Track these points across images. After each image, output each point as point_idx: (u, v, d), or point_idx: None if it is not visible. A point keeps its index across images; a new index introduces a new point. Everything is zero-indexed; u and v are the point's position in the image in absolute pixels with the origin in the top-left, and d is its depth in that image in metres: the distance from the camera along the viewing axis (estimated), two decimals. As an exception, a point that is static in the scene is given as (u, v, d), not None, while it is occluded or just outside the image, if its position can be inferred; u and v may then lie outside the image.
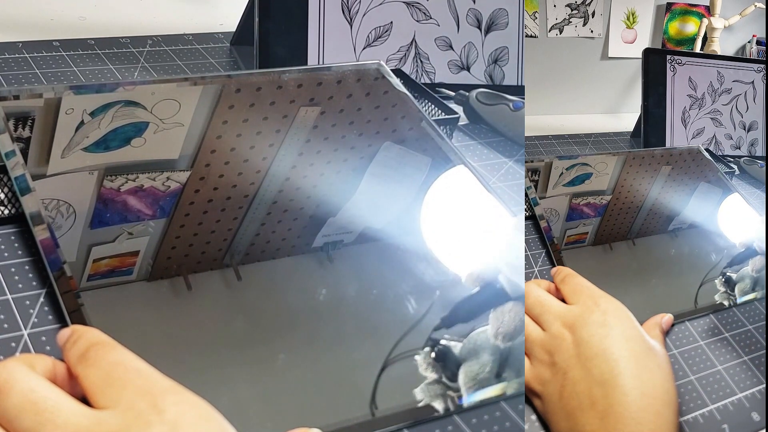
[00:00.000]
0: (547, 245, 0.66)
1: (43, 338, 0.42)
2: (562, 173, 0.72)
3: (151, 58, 0.74)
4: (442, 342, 0.47)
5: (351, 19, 0.76)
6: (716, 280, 0.69)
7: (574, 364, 0.49)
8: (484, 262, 0.54)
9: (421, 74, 0.81)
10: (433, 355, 0.47)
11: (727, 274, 0.70)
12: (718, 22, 1.56)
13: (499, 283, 0.48)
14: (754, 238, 0.73)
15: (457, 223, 0.57)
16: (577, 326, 0.50)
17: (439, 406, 0.45)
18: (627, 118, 1.29)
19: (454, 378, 0.46)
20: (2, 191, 0.48)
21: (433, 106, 0.73)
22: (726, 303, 0.67)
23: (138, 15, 0.85)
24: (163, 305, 0.47)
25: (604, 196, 0.74)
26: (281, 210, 0.53)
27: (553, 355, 0.50)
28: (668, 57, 1.05)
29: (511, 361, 0.48)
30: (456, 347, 0.47)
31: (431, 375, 0.46)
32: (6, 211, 0.48)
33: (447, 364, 0.47)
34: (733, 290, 0.68)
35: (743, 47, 1.71)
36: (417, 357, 0.47)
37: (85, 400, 0.35)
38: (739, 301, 0.69)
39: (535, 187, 0.70)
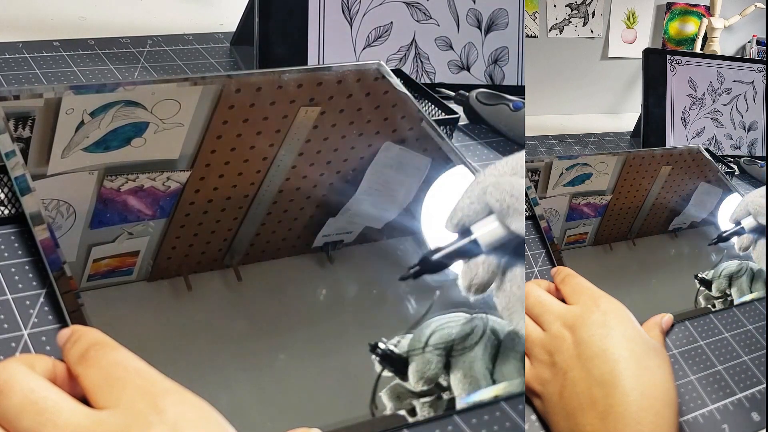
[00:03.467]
0: (547, 245, 0.66)
1: (43, 338, 0.42)
2: (562, 173, 0.72)
3: (151, 58, 0.74)
4: (381, 346, 0.46)
5: (351, 19, 0.76)
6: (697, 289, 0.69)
7: (574, 364, 0.49)
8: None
9: (421, 74, 0.81)
10: (376, 358, 0.46)
11: (702, 276, 0.69)
12: (718, 22, 1.57)
13: (472, 233, 0.45)
14: (745, 213, 0.71)
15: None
16: (578, 326, 0.50)
17: (403, 411, 0.44)
18: (627, 118, 1.29)
19: (405, 377, 0.46)
20: (2, 191, 0.48)
21: (433, 106, 0.73)
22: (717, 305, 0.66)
23: (138, 15, 0.85)
24: (163, 305, 0.47)
25: (604, 196, 0.74)
26: (281, 210, 0.53)
27: (553, 355, 0.50)
28: (668, 57, 1.05)
29: (458, 361, 0.47)
30: (400, 346, 0.46)
31: (387, 373, 0.45)
32: (6, 211, 0.48)
33: (395, 364, 0.46)
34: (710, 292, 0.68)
35: (743, 47, 1.71)
36: (373, 356, 0.46)
37: (85, 401, 0.35)
38: (738, 301, 0.69)
39: (535, 187, 0.70)
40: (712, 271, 0.69)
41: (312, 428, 0.40)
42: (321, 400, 0.45)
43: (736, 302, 0.68)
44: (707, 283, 0.68)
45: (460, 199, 0.45)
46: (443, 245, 0.45)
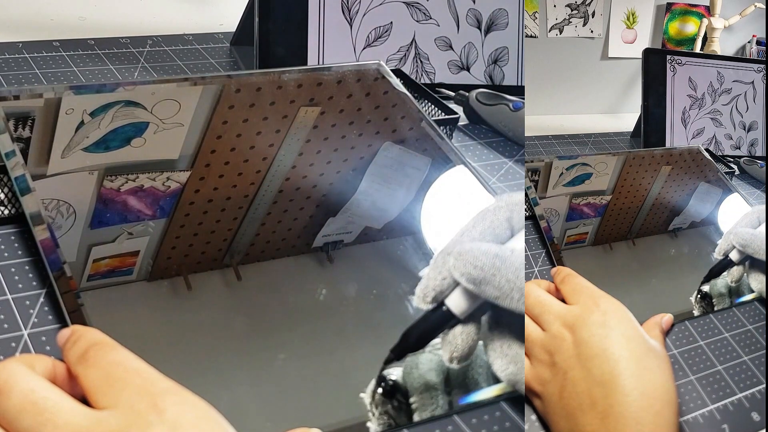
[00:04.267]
0: (547, 245, 0.66)
1: (43, 338, 0.42)
2: (562, 173, 0.72)
3: (151, 59, 0.74)
4: (389, 378, 0.45)
5: (351, 19, 0.76)
6: (692, 297, 0.68)
7: (574, 364, 0.49)
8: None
9: (421, 74, 0.81)
10: (380, 391, 0.45)
11: (704, 290, 0.69)
12: (718, 22, 1.57)
13: (445, 305, 0.45)
14: (730, 247, 0.72)
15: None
16: (577, 326, 0.50)
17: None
18: (627, 118, 1.29)
19: (403, 406, 0.45)
20: (2, 191, 0.48)
21: (433, 106, 0.73)
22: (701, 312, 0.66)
23: (138, 15, 0.85)
24: (163, 305, 0.47)
25: (604, 196, 0.74)
26: (281, 210, 0.53)
27: (553, 355, 0.50)
28: (668, 57, 1.05)
29: (458, 378, 0.47)
30: (401, 378, 0.46)
31: (380, 410, 0.45)
32: (6, 211, 0.48)
33: (396, 397, 0.45)
34: (710, 303, 0.68)
35: (743, 47, 1.71)
36: (363, 395, 0.45)
37: (85, 401, 0.35)
38: (737, 301, 0.69)
39: (535, 187, 0.70)
40: (708, 286, 0.70)
41: (312, 428, 0.40)
42: (321, 400, 0.45)
43: (735, 302, 0.68)
44: (708, 297, 0.68)
45: (429, 273, 0.45)
46: (419, 322, 0.45)
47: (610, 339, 0.49)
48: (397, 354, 0.45)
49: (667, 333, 0.61)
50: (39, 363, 0.36)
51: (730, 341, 0.64)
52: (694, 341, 0.62)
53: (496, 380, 0.47)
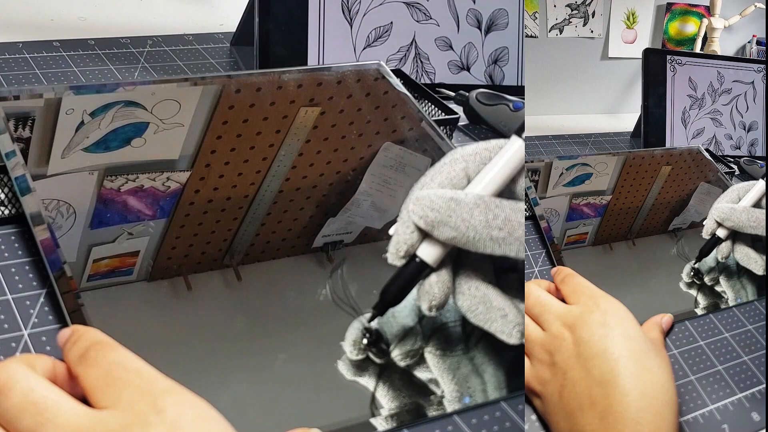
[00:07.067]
0: (547, 245, 0.66)
1: (44, 338, 0.42)
2: (562, 173, 0.72)
3: (151, 59, 0.74)
4: (372, 329, 0.48)
5: (351, 20, 0.76)
6: (683, 273, 0.71)
7: (574, 364, 0.49)
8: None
9: (421, 74, 0.81)
10: (364, 341, 0.47)
11: (695, 266, 0.71)
12: (718, 22, 1.57)
13: (418, 256, 0.46)
14: (714, 225, 0.74)
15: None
16: (577, 326, 0.50)
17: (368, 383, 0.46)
18: (627, 118, 1.29)
19: (385, 353, 0.47)
20: (2, 191, 0.48)
21: (433, 106, 0.73)
22: (697, 294, 0.68)
23: (138, 15, 0.85)
24: (163, 305, 0.47)
25: (604, 196, 0.74)
26: (281, 210, 0.53)
27: (553, 355, 0.50)
28: (668, 57, 1.05)
29: (436, 327, 0.49)
30: (381, 328, 0.48)
31: (360, 356, 0.47)
32: (6, 212, 0.48)
33: (379, 345, 0.47)
34: (702, 280, 0.70)
35: (743, 47, 1.71)
36: (342, 343, 0.47)
37: (85, 400, 0.35)
38: (733, 304, 0.69)
39: (535, 187, 0.70)
40: (699, 264, 0.72)
41: (312, 428, 0.40)
42: (321, 399, 0.45)
43: (734, 303, 0.68)
44: (698, 273, 0.70)
45: (398, 229, 0.46)
46: (396, 276, 0.46)
47: (610, 339, 0.49)
48: (380, 310, 0.47)
49: (667, 333, 0.61)
50: (39, 363, 0.37)
51: (730, 341, 0.64)
52: (694, 341, 0.62)
53: (467, 321, 0.47)
